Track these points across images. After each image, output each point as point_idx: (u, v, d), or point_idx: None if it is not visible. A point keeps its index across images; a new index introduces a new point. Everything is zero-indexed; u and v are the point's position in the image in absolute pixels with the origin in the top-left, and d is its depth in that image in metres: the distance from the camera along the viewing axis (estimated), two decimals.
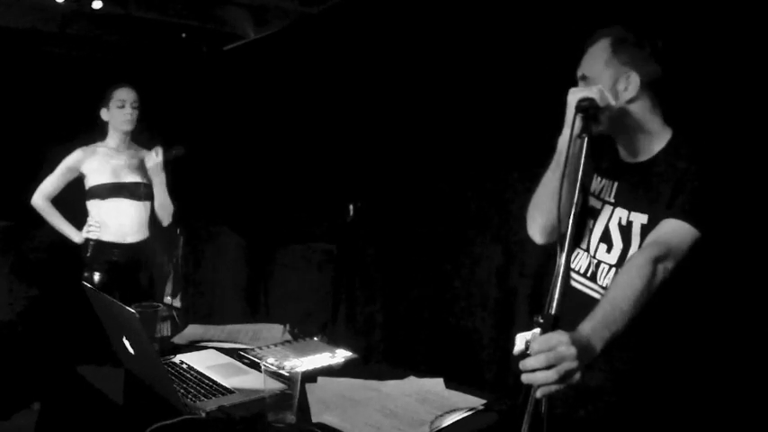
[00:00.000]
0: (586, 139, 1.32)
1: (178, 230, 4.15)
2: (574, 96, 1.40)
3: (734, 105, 1.93)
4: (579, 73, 1.54)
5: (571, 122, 1.38)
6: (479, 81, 2.76)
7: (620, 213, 1.52)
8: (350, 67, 3.43)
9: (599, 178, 1.61)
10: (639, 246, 1.44)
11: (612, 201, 1.55)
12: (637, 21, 1.54)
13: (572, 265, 1.59)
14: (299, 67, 3.79)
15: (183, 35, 4.12)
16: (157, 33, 4.11)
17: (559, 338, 1.11)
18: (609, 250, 1.52)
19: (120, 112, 2.98)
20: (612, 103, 1.43)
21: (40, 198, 3.05)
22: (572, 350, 1.10)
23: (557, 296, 1.16)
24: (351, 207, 3.30)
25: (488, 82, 2.70)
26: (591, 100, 1.38)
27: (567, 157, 1.36)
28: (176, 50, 4.35)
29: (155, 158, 3.00)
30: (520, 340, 1.14)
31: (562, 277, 1.18)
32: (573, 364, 1.10)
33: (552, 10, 2.36)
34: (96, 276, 2.96)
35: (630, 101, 1.47)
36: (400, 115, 3.16)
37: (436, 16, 2.93)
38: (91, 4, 3.43)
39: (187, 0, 3.76)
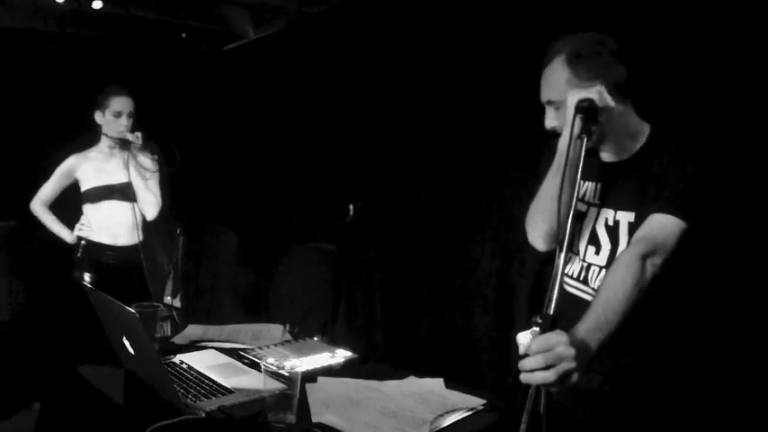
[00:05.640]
0: (585, 139, 1.33)
1: (178, 230, 4.14)
2: (573, 97, 1.40)
3: (712, 96, 1.92)
4: (543, 98, 1.51)
5: (571, 123, 1.38)
6: (479, 81, 2.75)
7: (606, 214, 1.52)
8: (350, 68, 3.43)
9: (581, 181, 1.61)
10: (628, 244, 1.43)
11: (597, 202, 1.55)
12: (590, 25, 1.51)
13: (566, 270, 1.58)
14: (298, 67, 3.79)
15: (183, 35, 4.12)
16: (157, 33, 4.11)
17: (558, 338, 1.11)
18: (597, 252, 1.53)
19: (115, 122, 2.90)
20: (612, 104, 1.42)
21: (38, 204, 3.09)
22: (571, 350, 1.10)
23: (555, 296, 1.16)
24: (351, 207, 3.29)
25: (488, 82, 2.70)
26: (590, 101, 1.38)
27: (567, 158, 1.37)
28: (176, 50, 4.34)
29: (134, 139, 2.88)
30: (524, 338, 1.14)
31: (560, 277, 1.18)
32: (572, 365, 1.10)
33: (551, 10, 2.36)
34: (86, 277, 2.93)
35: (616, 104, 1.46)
36: (400, 115, 3.16)
37: (436, 17, 2.93)
38: (91, 4, 3.43)
39: (187, 0, 3.76)
